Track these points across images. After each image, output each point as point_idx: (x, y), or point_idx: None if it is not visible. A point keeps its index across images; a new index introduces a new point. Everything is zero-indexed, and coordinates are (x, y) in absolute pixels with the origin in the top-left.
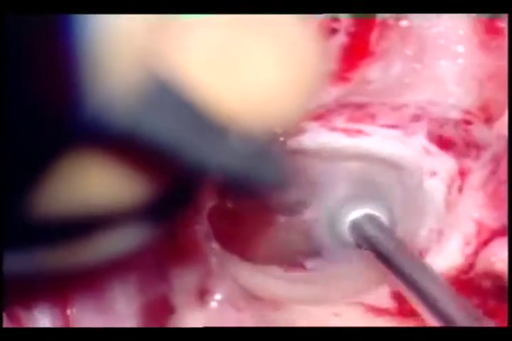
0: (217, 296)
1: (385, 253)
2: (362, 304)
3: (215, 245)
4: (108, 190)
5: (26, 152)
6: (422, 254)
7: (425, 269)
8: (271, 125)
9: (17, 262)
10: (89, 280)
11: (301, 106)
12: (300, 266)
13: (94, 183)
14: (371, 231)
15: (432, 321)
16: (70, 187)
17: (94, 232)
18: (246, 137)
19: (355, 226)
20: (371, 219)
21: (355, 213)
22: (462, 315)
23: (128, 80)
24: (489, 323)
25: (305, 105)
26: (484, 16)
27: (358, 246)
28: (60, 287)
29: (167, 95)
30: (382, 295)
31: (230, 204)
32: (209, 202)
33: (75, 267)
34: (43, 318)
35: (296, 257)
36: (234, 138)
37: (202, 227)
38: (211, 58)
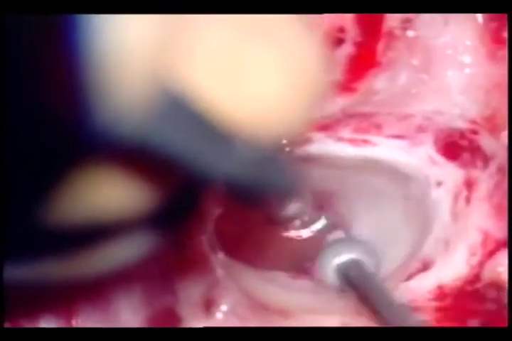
0: (224, 307)
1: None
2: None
3: (221, 255)
4: (117, 200)
5: (36, 162)
6: (427, 265)
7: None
8: (276, 134)
9: (24, 271)
10: (95, 292)
11: (305, 115)
12: (308, 275)
13: (103, 193)
14: (355, 277)
15: None
16: (79, 198)
17: (102, 242)
18: (252, 146)
19: (340, 270)
20: (356, 264)
21: (341, 258)
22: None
23: (137, 91)
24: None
25: (309, 114)
26: (489, 26)
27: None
28: (65, 298)
29: (175, 106)
30: None
31: (236, 214)
32: (215, 212)
33: (81, 277)
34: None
35: (304, 266)
36: (240, 147)
37: (207, 237)
38: (218, 69)
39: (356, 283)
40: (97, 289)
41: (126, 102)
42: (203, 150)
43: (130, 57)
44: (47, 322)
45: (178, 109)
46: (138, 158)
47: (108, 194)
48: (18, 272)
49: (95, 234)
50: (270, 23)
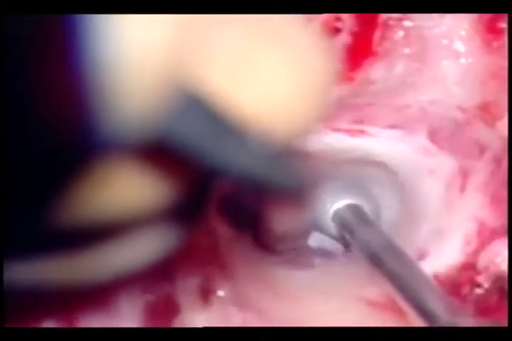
0: (222, 295)
1: (367, 245)
2: (366, 299)
3: (221, 244)
4: (132, 197)
5: (48, 160)
6: (422, 254)
7: (407, 262)
8: (289, 130)
9: (34, 273)
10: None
11: (314, 113)
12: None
13: (118, 191)
14: (352, 220)
15: (413, 316)
16: (93, 195)
17: (118, 241)
18: (264, 142)
19: (337, 216)
20: (353, 208)
21: (338, 204)
22: (444, 311)
23: (151, 89)
24: (470, 321)
25: (318, 112)
26: (484, 16)
27: (342, 237)
28: (67, 292)
29: (190, 103)
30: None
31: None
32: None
33: (93, 278)
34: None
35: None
36: (253, 143)
37: (209, 227)
38: (231, 68)
39: (354, 229)
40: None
41: (141, 100)
42: (217, 146)
43: (145, 56)
44: (46, 317)
45: (193, 106)
46: (153, 155)
47: (123, 191)
48: (25, 274)
49: (110, 232)
50: (281, 24)
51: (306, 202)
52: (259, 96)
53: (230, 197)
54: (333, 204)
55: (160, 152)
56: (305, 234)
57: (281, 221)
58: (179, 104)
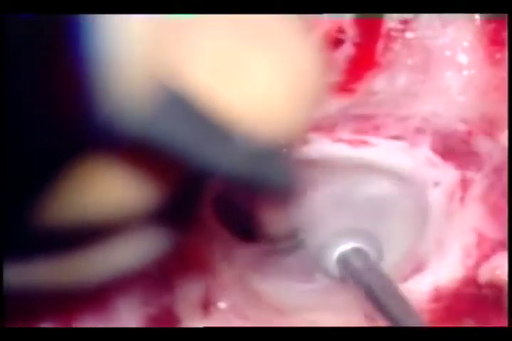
0: (221, 306)
1: (368, 289)
2: (368, 315)
3: (220, 253)
4: (118, 197)
5: (32, 159)
6: (422, 266)
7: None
8: (275, 132)
9: (20, 275)
10: (94, 292)
11: (303, 115)
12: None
13: (103, 190)
14: (357, 264)
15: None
16: (78, 195)
17: (105, 241)
18: (251, 142)
19: (342, 259)
20: (358, 252)
21: (343, 247)
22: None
23: (136, 87)
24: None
25: (307, 114)
26: (484, 16)
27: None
28: (64, 300)
29: (175, 102)
30: None
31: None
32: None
33: (82, 280)
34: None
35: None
36: (239, 143)
37: (207, 235)
38: (217, 67)
39: (358, 273)
40: (95, 289)
41: (126, 98)
42: (203, 145)
43: (130, 54)
44: (46, 323)
45: (178, 104)
46: (139, 153)
47: (109, 190)
48: (14, 275)
49: (97, 233)
50: (269, 23)
51: (294, 201)
52: (246, 96)
53: (223, 198)
54: (338, 246)
55: (145, 151)
56: (295, 234)
57: (272, 221)
58: (163, 102)
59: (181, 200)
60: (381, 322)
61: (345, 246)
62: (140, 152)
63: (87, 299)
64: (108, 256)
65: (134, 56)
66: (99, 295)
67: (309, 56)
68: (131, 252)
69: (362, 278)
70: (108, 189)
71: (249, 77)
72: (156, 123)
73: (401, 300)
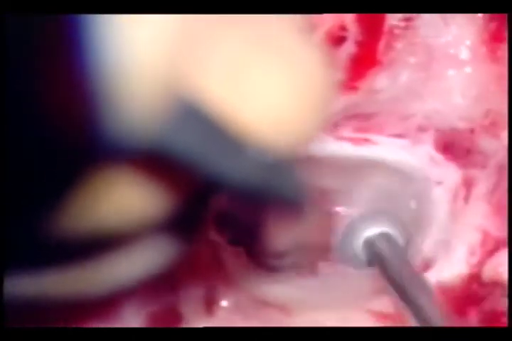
0: (225, 305)
1: (392, 275)
2: (371, 311)
3: (224, 253)
4: (131, 208)
5: (45, 169)
6: (428, 264)
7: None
8: (288, 141)
9: (30, 285)
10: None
11: (315, 122)
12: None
13: (116, 201)
14: (384, 250)
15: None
16: (91, 206)
17: (116, 252)
18: (264, 153)
19: (369, 243)
20: (386, 237)
21: (371, 230)
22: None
23: (149, 98)
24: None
25: (319, 121)
26: (489, 25)
27: (370, 263)
28: (71, 307)
29: (188, 113)
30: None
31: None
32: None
33: (90, 289)
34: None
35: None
36: (253, 154)
37: (212, 236)
38: (230, 78)
39: (384, 258)
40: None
41: (138, 109)
42: (216, 156)
43: (142, 64)
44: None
45: (191, 115)
46: (151, 165)
47: (121, 201)
48: (23, 286)
49: (108, 243)
50: (281, 34)
51: (304, 214)
52: (259, 107)
53: (228, 213)
54: (366, 231)
55: (158, 161)
56: (302, 251)
57: (279, 236)
58: (177, 113)
59: (194, 210)
60: (382, 321)
61: (373, 231)
62: (152, 163)
63: (93, 302)
64: (117, 266)
65: (146, 67)
66: (102, 297)
67: (321, 66)
68: (140, 262)
69: (387, 264)
70: (120, 200)
71: (262, 88)
72: (169, 134)
73: (425, 287)
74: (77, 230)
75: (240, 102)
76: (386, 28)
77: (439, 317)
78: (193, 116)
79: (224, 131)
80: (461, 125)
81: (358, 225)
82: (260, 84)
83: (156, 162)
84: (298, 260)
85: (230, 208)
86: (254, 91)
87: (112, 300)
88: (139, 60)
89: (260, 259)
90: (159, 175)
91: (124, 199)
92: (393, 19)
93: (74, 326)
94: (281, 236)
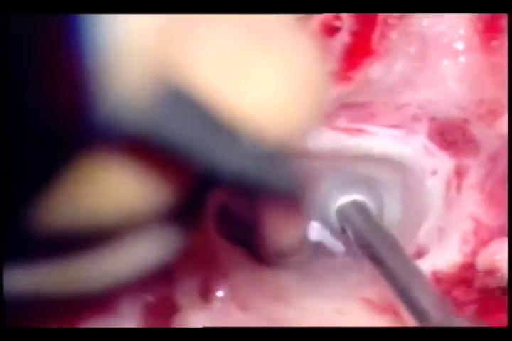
0: (221, 295)
1: (367, 241)
2: (365, 299)
3: (220, 243)
4: (122, 197)
5: (35, 158)
6: (421, 253)
7: (404, 259)
8: (282, 129)
9: (21, 280)
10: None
11: (309, 112)
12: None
13: (107, 190)
14: (355, 216)
15: (406, 315)
16: (82, 194)
17: (112, 245)
18: (257, 139)
19: (341, 211)
20: (357, 205)
21: (343, 199)
22: (437, 311)
23: (141, 85)
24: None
25: (314, 111)
26: (484, 15)
27: (343, 231)
28: (67, 301)
29: (180, 99)
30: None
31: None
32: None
33: (86, 282)
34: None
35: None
36: (245, 140)
37: (208, 227)
38: (222, 64)
39: (357, 226)
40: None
41: (128, 96)
42: (207, 143)
43: (132, 51)
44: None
45: (182, 103)
46: (142, 153)
47: (112, 191)
48: (16, 279)
49: (101, 234)
50: (274, 24)
51: (302, 205)
52: (252, 96)
53: (226, 208)
54: (338, 198)
55: (149, 150)
56: (302, 248)
57: (278, 232)
58: (167, 100)
59: (189, 201)
60: (377, 308)
61: (346, 198)
62: (143, 151)
63: (89, 294)
64: (113, 258)
65: (137, 54)
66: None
67: (315, 57)
68: (136, 254)
69: (359, 230)
70: (111, 189)
71: (255, 78)
72: (160, 122)
73: (398, 251)
74: (69, 222)
75: (233, 91)
76: (380, 17)
77: (411, 276)
78: (184, 103)
79: (216, 120)
80: (456, 114)
81: (332, 194)
82: (253, 73)
83: (147, 150)
84: (299, 254)
85: (228, 200)
86: (247, 80)
87: (108, 292)
88: (130, 47)
89: (259, 253)
90: (151, 163)
91: (115, 189)
92: None
93: (69, 317)
94: (280, 231)
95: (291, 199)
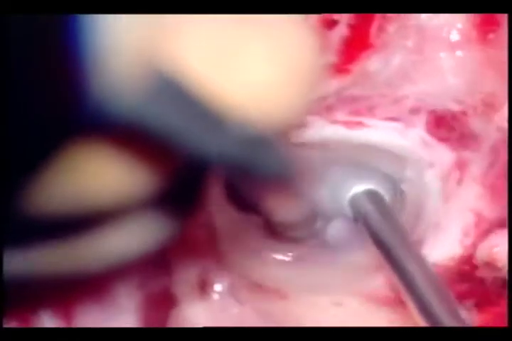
0: (219, 287)
1: (377, 231)
2: (363, 293)
3: (217, 235)
4: (111, 183)
5: (26, 144)
6: (420, 245)
7: (414, 253)
8: (271, 118)
9: (18, 263)
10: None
11: (300, 100)
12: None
13: (97, 175)
14: (368, 206)
15: (413, 311)
16: (72, 180)
17: (104, 229)
18: (245, 127)
19: (354, 200)
20: (371, 194)
21: (356, 188)
22: (447, 313)
23: (130, 72)
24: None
25: (304, 99)
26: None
27: (355, 220)
28: (62, 284)
29: (169, 86)
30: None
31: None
32: (211, 192)
33: (79, 269)
34: (45, 314)
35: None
36: (233, 128)
37: (204, 217)
38: (211, 51)
39: (370, 216)
40: (94, 275)
41: (118, 83)
42: (196, 131)
43: (121, 39)
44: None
45: (171, 89)
46: (132, 138)
47: (102, 176)
48: (10, 263)
49: (93, 219)
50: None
51: (295, 188)
52: (241, 82)
53: (231, 186)
54: (352, 188)
55: (138, 136)
56: (310, 222)
57: (278, 210)
58: (156, 87)
59: (180, 186)
60: (377, 301)
61: (359, 188)
62: (133, 137)
63: (85, 283)
64: (105, 243)
65: (127, 41)
66: (97, 278)
67: (305, 40)
68: (129, 239)
69: (372, 221)
70: (101, 174)
71: (244, 63)
72: (148, 107)
73: (409, 247)
74: (60, 206)
75: (222, 77)
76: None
77: (420, 268)
78: (172, 89)
79: (204, 106)
80: (454, 107)
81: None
82: (243, 58)
83: (136, 136)
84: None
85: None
86: (237, 65)
87: (105, 281)
88: (119, 35)
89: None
90: (141, 149)
91: (105, 174)
92: None
93: (67, 308)
94: (280, 209)
95: (283, 182)
